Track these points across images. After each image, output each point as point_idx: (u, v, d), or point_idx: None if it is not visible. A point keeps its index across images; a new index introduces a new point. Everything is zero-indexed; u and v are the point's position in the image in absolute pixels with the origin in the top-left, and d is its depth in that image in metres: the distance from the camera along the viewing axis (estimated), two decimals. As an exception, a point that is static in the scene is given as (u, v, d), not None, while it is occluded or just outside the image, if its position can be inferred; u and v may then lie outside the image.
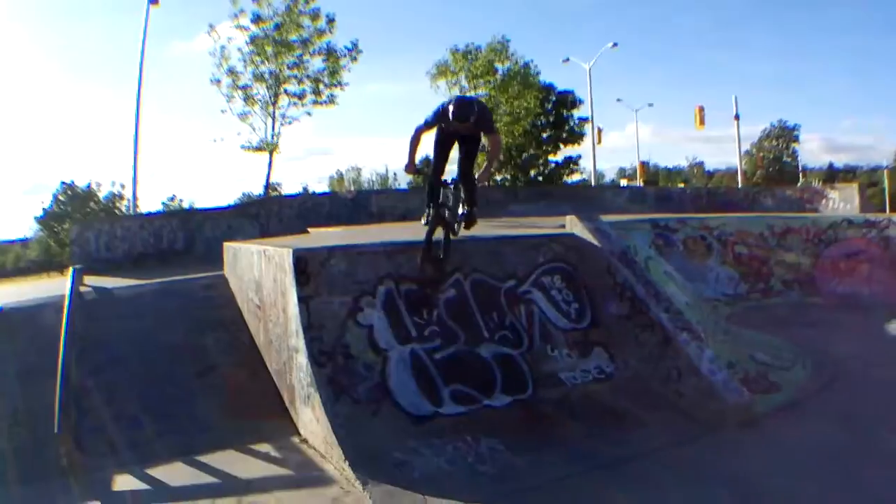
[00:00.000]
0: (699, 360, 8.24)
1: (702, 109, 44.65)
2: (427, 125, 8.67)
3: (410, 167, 9.01)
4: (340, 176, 77.30)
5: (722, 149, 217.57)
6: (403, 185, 59.57)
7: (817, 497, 5.82)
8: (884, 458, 6.58)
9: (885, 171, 67.03)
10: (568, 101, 46.59)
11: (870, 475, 6.15)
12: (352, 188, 68.94)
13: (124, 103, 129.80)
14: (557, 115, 46.07)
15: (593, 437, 7.21)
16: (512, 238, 9.80)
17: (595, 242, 9.58)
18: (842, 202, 25.84)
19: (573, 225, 10.06)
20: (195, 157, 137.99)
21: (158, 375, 8.88)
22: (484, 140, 9.11)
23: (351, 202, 24.30)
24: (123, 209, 48.83)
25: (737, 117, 44.90)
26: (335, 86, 30.23)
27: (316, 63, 29.90)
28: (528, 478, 6.26)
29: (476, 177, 9.38)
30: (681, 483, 6.14)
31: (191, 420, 8.09)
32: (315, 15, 29.32)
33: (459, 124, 8.29)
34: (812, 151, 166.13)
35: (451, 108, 8.31)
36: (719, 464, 6.64)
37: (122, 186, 52.68)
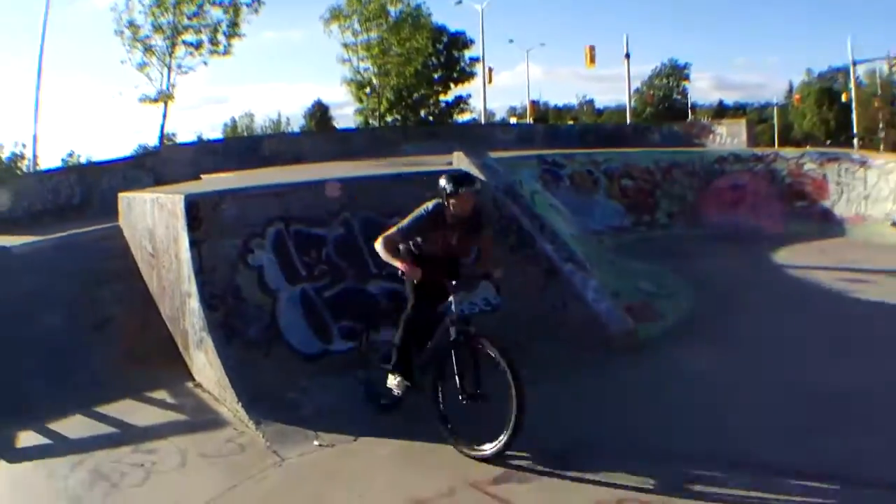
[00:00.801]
0: (584, 289, 8.60)
1: (592, 48, 44.78)
2: (403, 235, 6.20)
3: (411, 265, 6.02)
4: (234, 123, 76.00)
5: (613, 87, 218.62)
6: (296, 130, 59.83)
7: (703, 411, 6.34)
8: (760, 377, 7.18)
9: (775, 108, 69.66)
10: (459, 42, 47.50)
11: (751, 392, 6.76)
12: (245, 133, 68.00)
13: (24, 63, 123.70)
14: (449, 55, 46.99)
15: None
16: (400, 176, 9.97)
17: (482, 177, 9.71)
18: (729, 137, 26.67)
19: (460, 161, 10.27)
20: (94, 112, 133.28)
21: (56, 330, 8.77)
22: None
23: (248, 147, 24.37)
24: (24, 169, 47.01)
25: (627, 56, 45.55)
26: (233, 36, 29.87)
27: (216, 14, 29.43)
28: (416, 409, 6.31)
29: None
30: (570, 406, 6.54)
31: (88, 373, 8.05)
32: None
33: (467, 192, 5.99)
34: (703, 90, 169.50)
35: (446, 183, 5.97)
36: (606, 387, 7.10)
37: (24, 146, 50.64)
